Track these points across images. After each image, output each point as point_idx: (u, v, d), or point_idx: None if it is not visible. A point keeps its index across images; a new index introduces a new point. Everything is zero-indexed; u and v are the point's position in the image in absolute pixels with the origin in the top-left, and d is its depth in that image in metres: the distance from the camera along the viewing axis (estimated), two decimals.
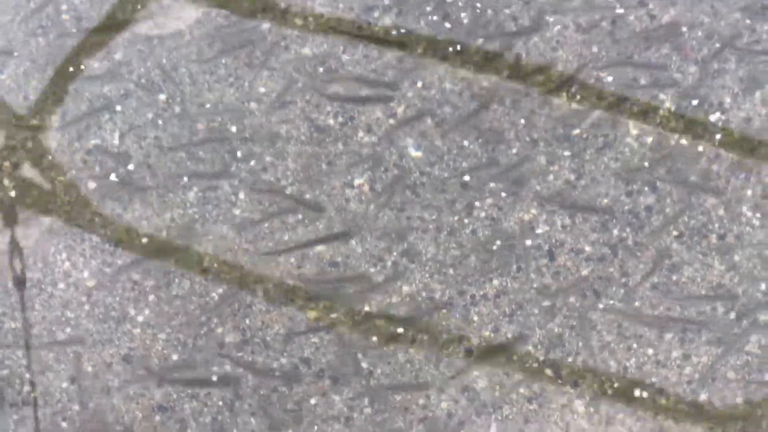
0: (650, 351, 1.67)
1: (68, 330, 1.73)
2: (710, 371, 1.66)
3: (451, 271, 1.72)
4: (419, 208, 1.75)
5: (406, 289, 1.72)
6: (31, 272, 1.76)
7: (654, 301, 1.69)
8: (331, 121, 1.80)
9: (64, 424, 1.69)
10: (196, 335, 1.71)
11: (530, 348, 1.68)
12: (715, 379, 1.65)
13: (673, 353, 1.67)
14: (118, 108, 1.83)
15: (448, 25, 1.82)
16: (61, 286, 1.74)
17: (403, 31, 1.82)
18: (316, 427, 1.66)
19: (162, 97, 1.83)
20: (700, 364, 1.66)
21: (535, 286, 1.71)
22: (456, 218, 1.74)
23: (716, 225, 1.72)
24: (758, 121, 1.76)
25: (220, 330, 1.71)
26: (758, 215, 1.71)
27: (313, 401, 1.68)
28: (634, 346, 1.67)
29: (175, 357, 1.71)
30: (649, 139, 1.76)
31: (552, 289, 1.71)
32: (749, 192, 1.73)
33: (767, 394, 1.65)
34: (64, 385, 1.71)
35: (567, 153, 1.75)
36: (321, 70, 1.82)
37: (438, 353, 1.69)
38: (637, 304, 1.69)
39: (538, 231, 1.73)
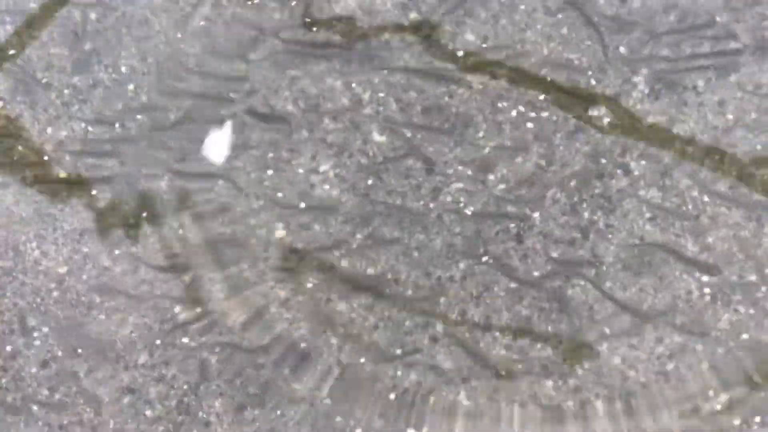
0: (622, 333, 1.65)
1: (38, 317, 1.75)
2: (682, 352, 1.64)
3: (416, 254, 1.73)
4: (383, 194, 1.76)
5: (370, 271, 1.73)
6: (2, 260, 1.79)
7: (626, 283, 1.68)
8: (291, 107, 1.82)
9: (34, 408, 1.71)
10: (162, 320, 1.73)
11: (497, 332, 1.68)
12: (685, 354, 1.63)
13: (646, 336, 1.65)
14: (87, 98, 1.87)
15: (412, 9, 1.85)
16: (31, 273, 1.77)
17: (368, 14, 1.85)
18: (281, 409, 1.67)
19: (130, 87, 1.87)
20: (673, 344, 1.64)
21: (502, 268, 1.70)
22: (421, 203, 1.75)
23: (690, 206, 1.70)
24: (732, 104, 1.75)
25: (184, 315, 1.73)
26: (733, 196, 1.70)
27: (279, 383, 1.68)
28: (606, 330, 1.66)
29: (141, 342, 1.73)
30: (622, 122, 1.76)
31: (520, 271, 1.70)
32: (723, 173, 1.71)
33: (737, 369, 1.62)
34: (34, 370, 1.73)
35: (537, 137, 1.76)
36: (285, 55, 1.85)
37: (403, 337, 1.69)
38: (608, 284, 1.68)
39: (506, 213, 1.73)
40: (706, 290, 1.65)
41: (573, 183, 1.72)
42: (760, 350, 1.62)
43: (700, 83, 1.76)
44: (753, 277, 1.65)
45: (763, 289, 1.64)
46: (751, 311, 1.64)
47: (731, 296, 1.64)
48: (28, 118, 1.85)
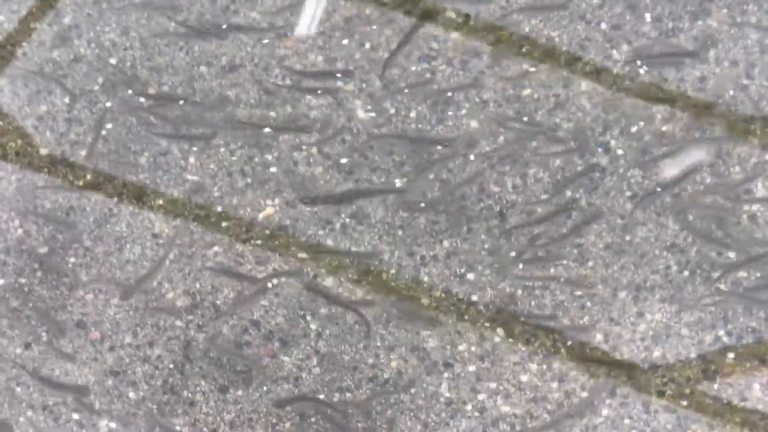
0: (604, 309, 1.63)
1: (21, 298, 1.70)
2: (664, 328, 1.62)
3: (400, 232, 1.69)
4: (368, 171, 1.72)
5: (354, 250, 1.69)
6: None
7: (608, 261, 1.65)
8: (280, 83, 1.77)
9: (18, 389, 1.66)
10: (147, 300, 1.68)
11: (481, 308, 1.65)
12: (669, 335, 1.61)
13: (626, 311, 1.63)
14: (68, 72, 1.80)
15: None
16: (14, 253, 1.72)
17: None
18: (265, 388, 1.63)
19: (112, 61, 1.81)
20: (654, 321, 1.62)
21: (486, 246, 1.67)
22: (405, 180, 1.71)
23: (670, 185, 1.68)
24: (712, 81, 1.72)
25: (170, 295, 1.69)
26: (712, 175, 1.67)
27: (263, 363, 1.65)
28: (588, 304, 1.64)
29: (125, 322, 1.68)
30: (603, 99, 1.72)
31: (503, 249, 1.67)
32: (703, 151, 1.69)
33: (720, 350, 1.61)
34: (18, 350, 1.68)
35: (518, 114, 1.72)
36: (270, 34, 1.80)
37: (388, 314, 1.65)
38: (590, 263, 1.66)
39: (489, 192, 1.69)
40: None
41: (555, 161, 1.68)
42: None
43: (682, 59, 1.73)
44: (732, 255, 1.63)
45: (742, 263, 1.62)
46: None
47: (711, 273, 1.62)
48: (8, 94, 1.79)
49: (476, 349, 1.62)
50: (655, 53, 1.72)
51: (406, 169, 1.70)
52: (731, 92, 1.70)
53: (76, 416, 1.63)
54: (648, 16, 1.74)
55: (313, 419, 1.61)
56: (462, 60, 1.74)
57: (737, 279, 1.62)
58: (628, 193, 1.66)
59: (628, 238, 1.65)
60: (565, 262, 1.64)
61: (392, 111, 1.73)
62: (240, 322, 1.65)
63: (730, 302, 1.61)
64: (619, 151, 1.68)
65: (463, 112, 1.72)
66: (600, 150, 1.68)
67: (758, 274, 1.61)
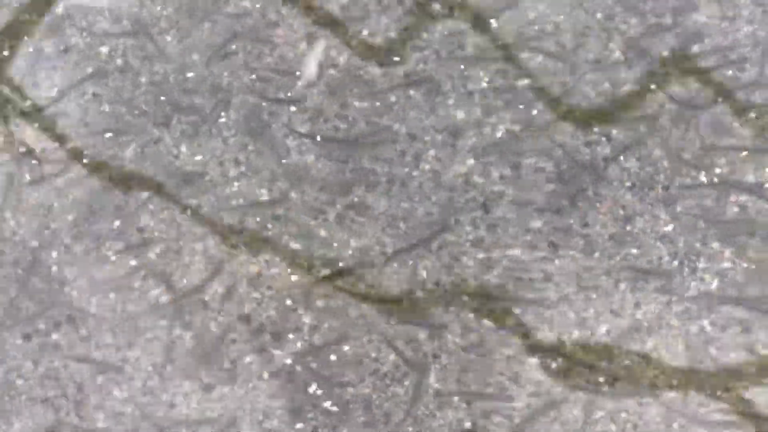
0: (607, 300, 1.60)
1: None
2: (657, 319, 1.60)
3: (402, 224, 1.65)
4: (367, 161, 1.67)
5: (354, 243, 1.64)
6: None
7: (611, 252, 1.62)
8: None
9: (19, 382, 1.58)
10: (132, 299, 1.61)
11: (470, 300, 1.61)
12: (661, 326, 1.60)
13: (626, 302, 1.61)
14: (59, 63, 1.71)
15: None
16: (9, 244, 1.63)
17: None
18: (250, 384, 1.58)
19: (104, 50, 1.72)
20: (648, 312, 1.60)
21: (471, 238, 1.63)
22: (406, 170, 1.66)
23: (662, 176, 1.65)
24: (695, 76, 1.70)
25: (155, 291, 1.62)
26: (699, 166, 1.65)
27: (248, 359, 1.59)
28: (593, 296, 1.61)
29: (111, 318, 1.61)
30: (602, 88, 1.69)
31: (486, 242, 1.63)
32: (690, 143, 1.66)
33: (706, 340, 1.60)
34: (19, 342, 1.60)
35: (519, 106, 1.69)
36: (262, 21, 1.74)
37: (379, 307, 1.60)
38: (596, 255, 1.63)
39: (474, 183, 1.66)
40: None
41: (558, 152, 1.65)
42: None
43: (665, 53, 1.71)
44: (715, 245, 1.62)
45: (727, 254, 1.60)
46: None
47: (697, 263, 1.61)
48: None
49: (461, 341, 1.58)
50: (650, 43, 1.69)
51: (407, 159, 1.65)
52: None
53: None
54: (639, 9, 1.71)
55: (310, 415, 1.56)
56: (450, 51, 1.70)
57: (723, 269, 1.60)
58: (628, 184, 1.63)
59: (628, 228, 1.62)
60: (572, 253, 1.61)
61: (393, 99, 1.67)
62: (228, 317, 1.59)
63: (716, 292, 1.59)
64: (620, 142, 1.64)
65: (451, 102, 1.67)
66: (603, 140, 1.65)
67: (744, 265, 1.59)
